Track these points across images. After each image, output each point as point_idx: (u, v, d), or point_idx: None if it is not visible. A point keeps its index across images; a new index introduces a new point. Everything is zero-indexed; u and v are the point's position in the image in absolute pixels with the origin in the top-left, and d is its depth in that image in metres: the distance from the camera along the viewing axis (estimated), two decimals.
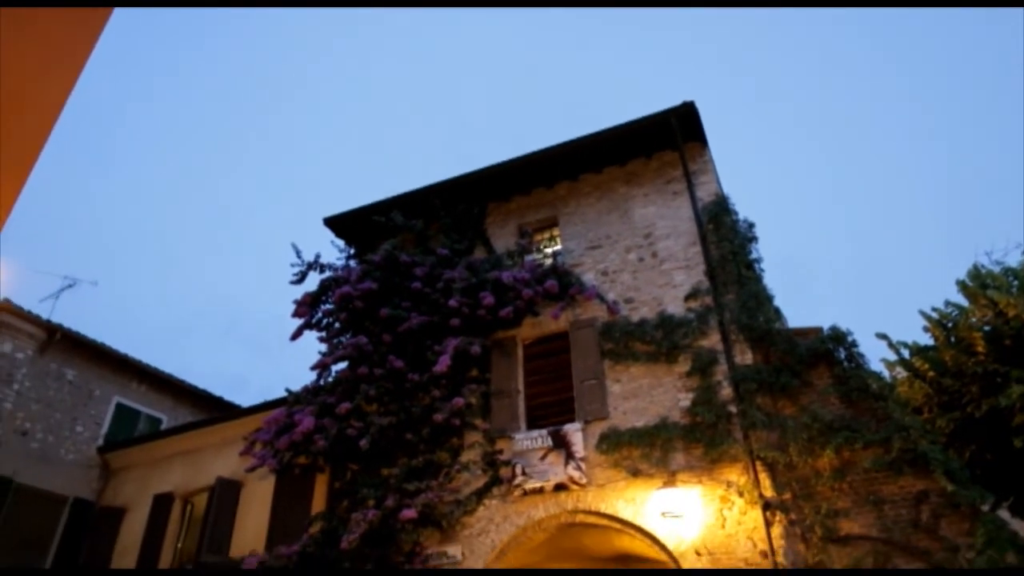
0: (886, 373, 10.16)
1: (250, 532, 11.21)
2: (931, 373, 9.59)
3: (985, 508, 7.28)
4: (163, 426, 14.91)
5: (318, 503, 10.56)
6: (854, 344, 8.82)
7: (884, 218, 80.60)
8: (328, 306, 11.09)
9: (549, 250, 11.27)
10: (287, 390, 10.90)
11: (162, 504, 12.64)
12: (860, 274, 78.41)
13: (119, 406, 14.55)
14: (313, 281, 11.56)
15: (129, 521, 12.87)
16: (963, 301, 9.76)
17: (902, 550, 7.58)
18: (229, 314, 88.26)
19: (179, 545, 12.32)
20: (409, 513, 8.79)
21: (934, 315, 9.95)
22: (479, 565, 8.88)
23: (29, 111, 3.89)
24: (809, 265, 79.96)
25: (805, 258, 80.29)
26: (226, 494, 11.79)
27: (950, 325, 9.79)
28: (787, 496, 8.01)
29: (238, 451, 11.01)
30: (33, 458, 12.83)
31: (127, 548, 12.50)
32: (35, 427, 13.07)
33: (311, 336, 11.17)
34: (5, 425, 12.58)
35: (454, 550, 9.08)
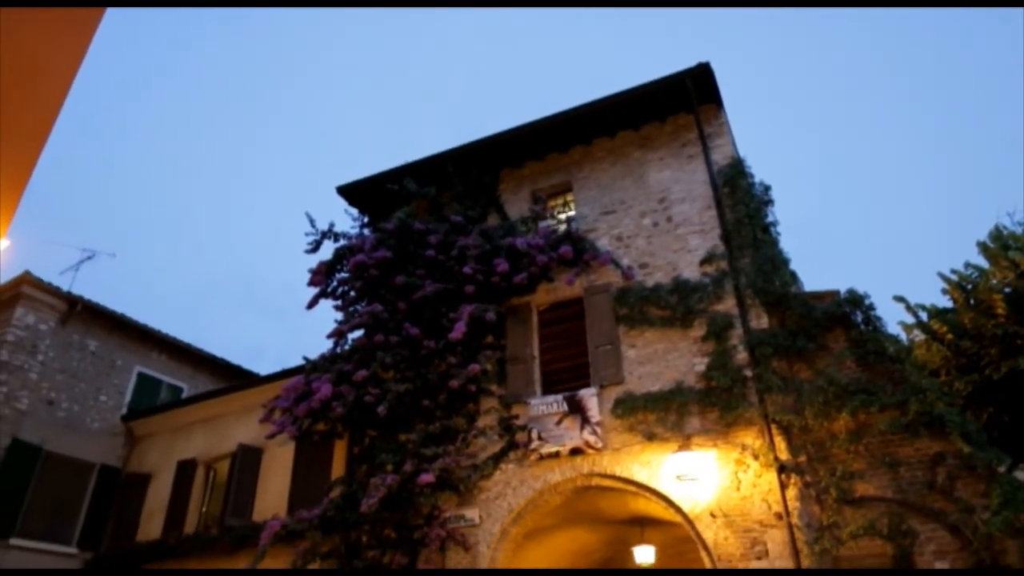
0: (903, 336, 10.10)
1: (272, 496, 11.47)
2: (949, 336, 9.53)
3: (1002, 469, 7.27)
4: (184, 394, 15.18)
5: (337, 468, 10.76)
6: (871, 307, 8.75)
7: (904, 181, 79.34)
8: (343, 275, 11.15)
9: (563, 216, 11.21)
10: (304, 358, 11.04)
11: (186, 470, 12.93)
12: (878, 238, 77.53)
13: (141, 375, 14.81)
14: (328, 250, 11.62)
15: (155, 486, 13.19)
16: (983, 263, 9.65)
17: (917, 511, 7.61)
18: (245, 284, 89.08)
19: (204, 509, 12.63)
20: (427, 477, 8.93)
21: (953, 277, 9.85)
22: (496, 528, 9.03)
23: (41, 83, 3.90)
24: (826, 229, 79.14)
25: (822, 222, 79.46)
26: (247, 460, 12.04)
27: (969, 287, 9.69)
28: (802, 459, 8.04)
29: (258, 418, 11.20)
30: (60, 427, 13.13)
31: (154, 512, 12.84)
32: (60, 397, 13.35)
33: (327, 305, 11.28)
34: (32, 395, 12.86)
35: (471, 513, 9.24)
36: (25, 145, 4.31)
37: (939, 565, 7.37)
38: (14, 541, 11.95)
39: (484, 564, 8.91)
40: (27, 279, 13.13)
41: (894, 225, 77.24)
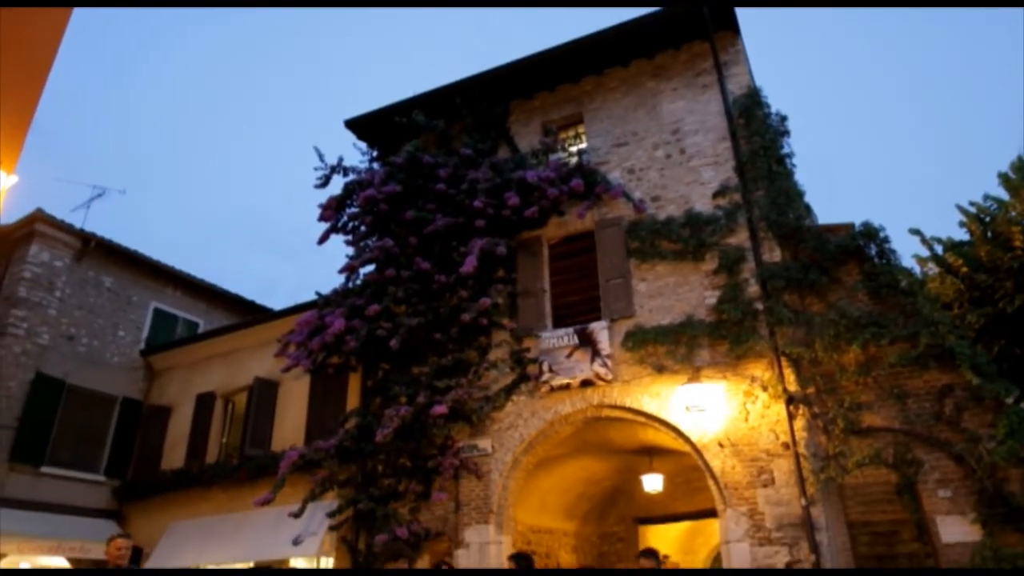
0: (917, 269, 10.04)
1: (289, 428, 11.77)
2: (964, 269, 9.45)
3: (1009, 401, 7.31)
4: (200, 330, 15.41)
5: (352, 400, 10.99)
6: (886, 240, 8.65)
7: (925, 114, 77.19)
8: (353, 210, 11.10)
9: (574, 148, 11.03)
10: (317, 293, 11.13)
11: (205, 403, 13.26)
12: (896, 171, 76.04)
13: (157, 311, 15.02)
14: (337, 185, 11.54)
15: (175, 418, 13.56)
16: (1004, 194, 9.47)
17: (923, 441, 7.71)
18: (255, 222, 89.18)
19: (224, 440, 13.01)
20: (440, 409, 9.11)
21: (972, 209, 9.70)
22: (508, 458, 9.26)
23: (39, 15, 3.81)
24: (843, 162, 77.59)
25: (840, 154, 77.87)
26: (264, 393, 12.31)
27: (988, 219, 9.55)
28: (811, 390, 8.11)
29: (273, 352, 11.39)
30: (81, 361, 13.43)
31: (175, 443, 13.24)
32: (80, 332, 13.59)
33: (338, 241, 11.29)
34: (52, 330, 13.10)
35: (484, 443, 9.47)
36: (27, 79, 4.25)
37: (942, 493, 7.51)
38: (45, 469, 12.40)
39: (496, 492, 9.18)
40: (40, 217, 13.18)
41: (913, 158, 75.63)
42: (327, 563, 10.55)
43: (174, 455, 13.11)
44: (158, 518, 12.50)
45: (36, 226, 13.13)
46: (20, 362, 12.50)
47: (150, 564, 11.57)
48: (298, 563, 10.95)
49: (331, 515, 9.82)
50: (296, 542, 9.83)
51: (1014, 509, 7.00)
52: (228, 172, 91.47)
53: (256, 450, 11.76)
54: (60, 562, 12.30)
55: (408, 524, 9.24)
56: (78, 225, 13.84)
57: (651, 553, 4.84)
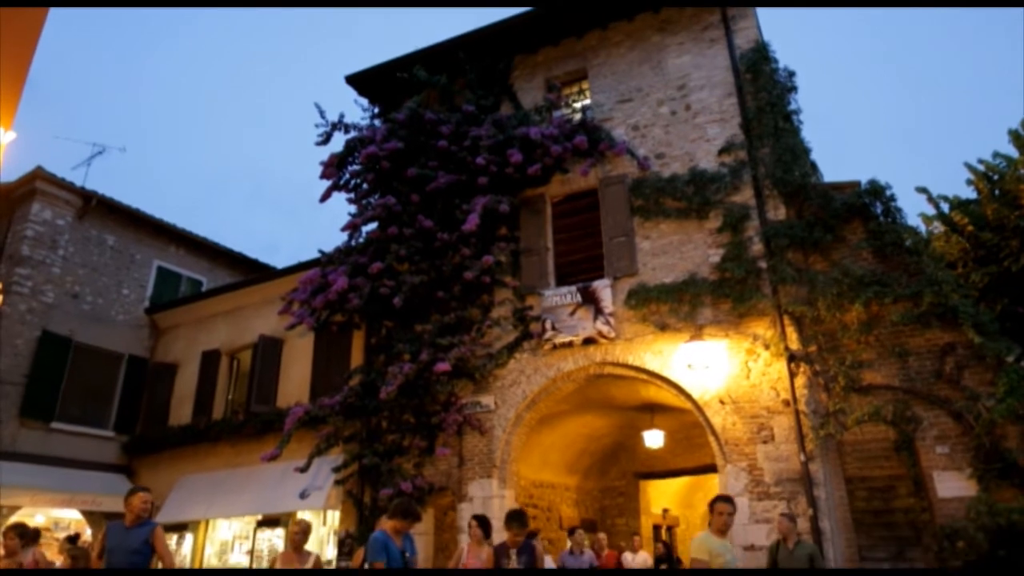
0: (923, 228, 9.99)
1: (294, 385, 11.89)
2: (970, 227, 9.40)
3: (1010, 359, 7.34)
4: (203, 288, 15.46)
5: (356, 358, 11.08)
6: (892, 199, 8.58)
7: (934, 71, 75.81)
8: (355, 167, 11.02)
9: (578, 105, 10.88)
10: (320, 251, 11.12)
11: (210, 360, 13.38)
12: (904, 130, 75.04)
13: (160, 269, 15.05)
14: (339, 142, 11.45)
15: (182, 375, 13.70)
16: (1013, 152, 9.36)
17: (922, 399, 7.78)
18: (256, 179, 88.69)
19: (230, 396, 13.16)
20: (443, 366, 9.18)
21: (980, 167, 9.61)
22: (510, 414, 9.37)
23: None
24: (851, 119, 76.55)
25: (847, 112, 76.77)
26: (269, 350, 12.41)
27: (996, 178, 9.46)
28: (812, 349, 8.15)
29: (277, 310, 11.44)
30: (87, 319, 13.51)
31: (182, 399, 13.41)
32: (84, 290, 13.64)
33: (340, 201, 11.26)
34: (56, 289, 13.15)
35: (487, 400, 9.57)
36: (21, 34, 4.19)
37: (940, 450, 7.60)
38: (55, 425, 12.60)
39: (499, 447, 9.31)
40: (40, 174, 13.11)
41: (923, 117, 74.56)
42: (333, 516, 10.79)
43: (181, 411, 13.29)
44: (167, 472, 12.73)
45: (37, 184, 13.06)
46: (26, 320, 12.58)
47: (160, 517, 11.81)
48: (305, 516, 11.19)
49: (336, 470, 10.00)
50: (303, 496, 10.02)
51: (1010, 465, 7.09)
52: (228, 130, 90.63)
53: (262, 406, 11.91)
54: (73, 514, 12.59)
55: (412, 479, 9.41)
56: (78, 183, 13.77)
57: (727, 499, 4.97)
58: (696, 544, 4.83)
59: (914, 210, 10.08)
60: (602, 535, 9.19)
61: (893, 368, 8.01)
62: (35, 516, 11.96)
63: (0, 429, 11.84)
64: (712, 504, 5.04)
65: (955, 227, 9.62)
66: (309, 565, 5.50)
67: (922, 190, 9.95)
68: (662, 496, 14.35)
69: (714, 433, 8.20)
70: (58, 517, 12.85)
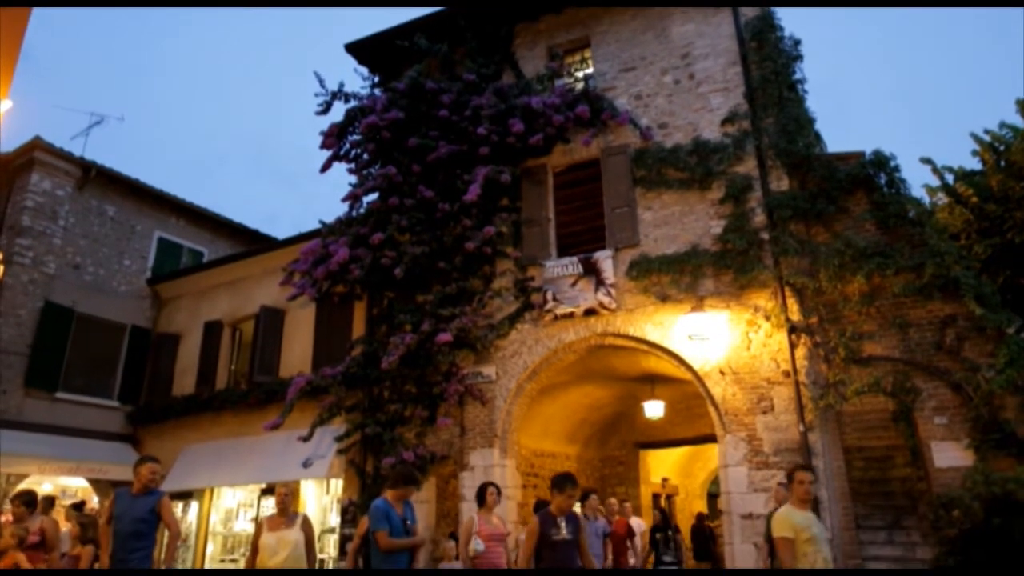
0: (926, 200, 9.92)
1: (296, 355, 11.95)
2: (974, 199, 9.35)
3: (1011, 331, 7.35)
4: (204, 259, 15.46)
5: (358, 328, 11.12)
6: (896, 169, 8.53)
7: (941, 41, 74.71)
8: (355, 137, 10.93)
9: (580, 74, 10.75)
10: (321, 222, 11.09)
11: (212, 330, 13.43)
12: (910, 101, 74.22)
13: (161, 240, 15.03)
14: (339, 112, 11.35)
15: (184, 346, 13.77)
16: (1020, 122, 9.28)
17: (922, 370, 7.81)
18: (256, 150, 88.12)
19: (232, 367, 13.24)
20: (444, 337, 9.21)
21: (986, 138, 9.53)
22: (512, 384, 9.42)
23: None
24: (857, 89, 75.66)
25: (853, 82, 75.85)
26: (271, 321, 12.46)
27: (1002, 148, 9.39)
28: (813, 320, 8.17)
29: (278, 281, 11.44)
30: (89, 290, 13.54)
31: (185, 369, 13.50)
32: (86, 261, 13.65)
33: (341, 171, 11.15)
34: (58, 259, 13.16)
35: (488, 370, 9.62)
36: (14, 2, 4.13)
37: (938, 420, 7.66)
38: (59, 395, 12.70)
39: (500, 417, 9.38)
40: (39, 144, 13.03)
41: (929, 88, 73.68)
42: (336, 485, 10.92)
43: (184, 381, 13.38)
44: (171, 442, 12.86)
45: (35, 154, 12.99)
46: (28, 291, 12.61)
47: (166, 486, 11.93)
48: (308, 485, 11.33)
49: (339, 439, 10.10)
50: (306, 465, 10.13)
51: (1008, 435, 7.15)
52: (228, 100, 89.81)
53: (264, 376, 11.98)
54: (80, 482, 12.76)
55: (414, 448, 9.50)
56: (77, 153, 13.69)
57: (807, 467, 4.75)
58: (778, 522, 4.39)
59: (918, 181, 10.03)
60: (613, 500, 9.00)
61: (893, 340, 8.03)
62: (43, 484, 12.11)
63: (6, 399, 11.94)
64: (791, 473, 4.64)
65: (959, 198, 9.57)
66: (296, 528, 5.40)
67: (926, 161, 9.88)
68: (661, 465, 14.49)
69: (714, 404, 8.25)
70: (65, 485, 13.02)
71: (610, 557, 8.08)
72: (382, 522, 4.71)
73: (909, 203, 8.29)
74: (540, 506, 6.72)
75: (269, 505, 11.28)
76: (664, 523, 9.59)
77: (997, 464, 6.99)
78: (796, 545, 4.27)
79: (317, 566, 10.81)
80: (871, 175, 8.46)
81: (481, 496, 6.08)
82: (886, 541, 7.62)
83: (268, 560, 5.24)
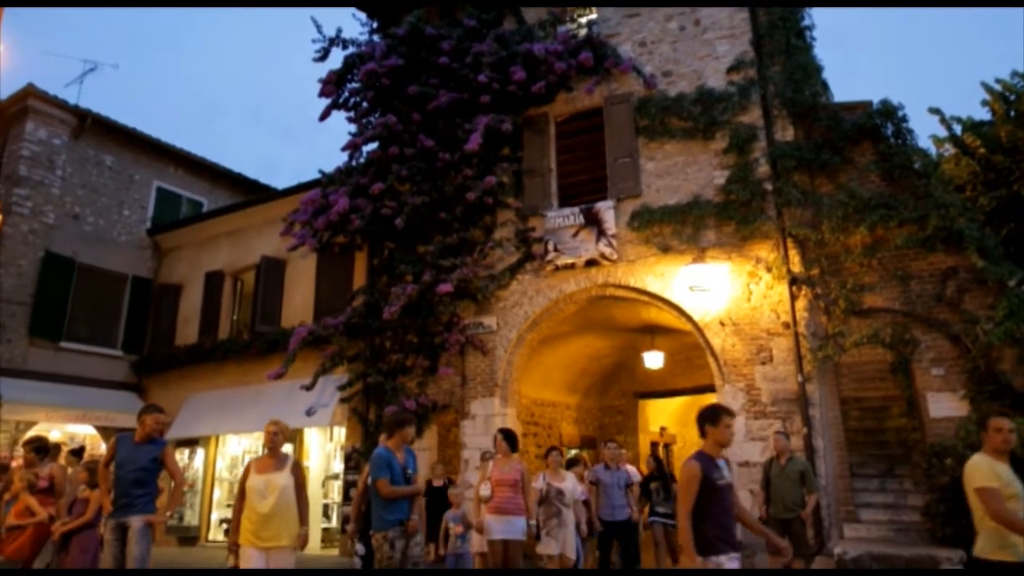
0: (933, 151, 9.80)
1: (298, 305, 12.00)
2: (981, 150, 9.23)
3: (1012, 284, 7.35)
4: (204, 209, 15.36)
5: (359, 279, 11.13)
6: (904, 119, 8.40)
7: None
8: (354, 85, 10.74)
9: (583, 20, 10.47)
10: (320, 171, 10.99)
11: (214, 281, 13.45)
12: (920, 50, 72.58)
13: (160, 190, 14.92)
14: (337, 59, 11.12)
15: (186, 296, 13.82)
16: None
17: (921, 322, 7.84)
18: (253, 99, 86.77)
19: (235, 317, 13.31)
20: (445, 287, 9.22)
21: (997, 87, 9.34)
22: (512, 335, 9.48)
23: None
24: (866, 37, 73.95)
25: (862, 29, 74.07)
26: (272, 271, 12.46)
27: (1013, 98, 9.22)
28: (815, 272, 8.16)
29: (279, 231, 11.40)
30: (89, 240, 13.50)
31: (188, 319, 13.57)
32: (85, 211, 13.57)
33: (340, 120, 11.01)
34: (56, 209, 13.08)
35: (489, 321, 9.66)
36: None
37: (935, 371, 7.72)
38: (64, 344, 12.79)
39: (501, 367, 9.47)
40: (32, 92, 12.81)
41: (938, 36, 71.98)
42: (339, 433, 11.09)
43: (187, 331, 13.46)
44: (176, 390, 13.02)
45: (29, 102, 12.79)
46: (28, 240, 12.58)
47: (171, 433, 12.15)
48: (312, 433, 11.52)
49: (342, 388, 10.22)
50: (309, 413, 10.27)
51: (1003, 387, 7.22)
52: (223, 48, 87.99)
53: (266, 326, 12.05)
54: (88, 430, 12.96)
55: (416, 397, 9.62)
56: (72, 102, 13.48)
57: (1004, 413, 3.84)
58: (979, 471, 3.73)
59: (925, 132, 9.82)
60: (606, 450, 7.98)
61: (894, 292, 8.04)
62: (51, 431, 12.30)
63: (11, 348, 12.03)
64: (984, 420, 3.99)
65: (966, 149, 9.44)
66: (286, 471, 4.89)
67: (935, 111, 9.71)
68: (660, 415, 14.71)
69: (714, 354, 8.31)
70: (73, 432, 13.22)
71: (635, 507, 7.60)
72: (383, 470, 4.76)
73: (915, 154, 8.19)
74: (551, 452, 6.70)
75: None
76: (659, 472, 8.76)
77: None
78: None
79: (317, 512, 11.04)
80: (878, 125, 8.34)
81: (496, 443, 6.08)
82: (879, 489, 7.77)
83: (256, 505, 4.74)
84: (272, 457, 5.00)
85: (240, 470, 12.26)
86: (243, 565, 4.71)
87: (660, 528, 8.26)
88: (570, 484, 6.48)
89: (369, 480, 5.01)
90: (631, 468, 7.89)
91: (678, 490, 4.41)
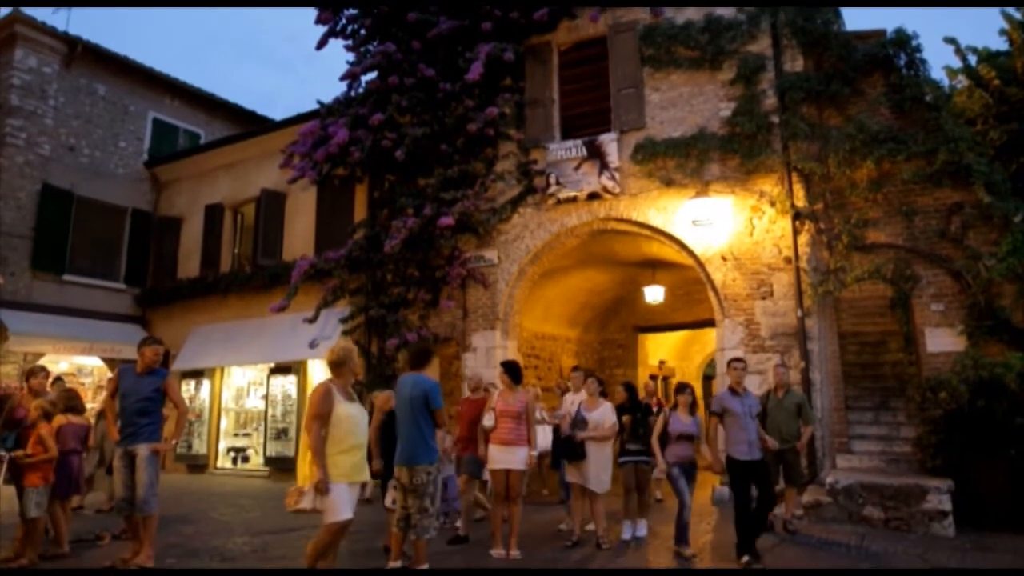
0: (946, 82, 9.54)
1: (299, 239, 11.97)
2: (995, 82, 8.96)
3: (1017, 220, 7.30)
4: (201, 140, 15.13)
5: (359, 211, 11.06)
6: (917, 49, 8.19)
7: None
8: (352, 11, 10.41)
9: None
10: (319, 102, 10.76)
11: (214, 214, 13.38)
12: None
13: (156, 121, 14.66)
14: None
15: (187, 229, 13.77)
16: None
17: (924, 258, 7.83)
18: (247, 30, 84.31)
19: (236, 250, 13.30)
20: (447, 220, 9.17)
21: (1017, 16, 9.00)
22: (514, 268, 9.47)
23: None
24: None
25: None
26: (272, 204, 12.38)
27: None
28: (819, 207, 8.09)
29: (278, 164, 11.26)
30: (86, 172, 13.34)
31: (189, 252, 13.56)
32: (80, 143, 13.36)
33: (338, 49, 10.68)
34: (51, 141, 12.88)
35: (490, 254, 9.65)
36: None
37: (935, 307, 7.76)
38: (66, 277, 12.82)
39: (502, 300, 9.51)
40: (19, 18, 12.43)
41: None
42: None
43: (189, 264, 13.48)
44: (180, 323, 13.12)
45: (17, 28, 12.42)
46: (25, 173, 12.44)
47: (176, 366, 12.34)
48: (315, 365, 11.66)
49: (344, 321, 10.29)
50: (312, 345, 10.36)
51: (1002, 322, 7.27)
52: None
53: (268, 260, 12.06)
54: (95, 362, 13.13)
55: (418, 330, 9.69)
56: (61, 28, 13.10)
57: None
58: None
59: (940, 63, 9.54)
60: (591, 380, 6.54)
61: (898, 227, 7.99)
62: (59, 363, 12.46)
63: (14, 281, 12.07)
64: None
65: (980, 81, 9.18)
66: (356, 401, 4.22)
67: (950, 40, 9.39)
68: (660, 348, 14.86)
69: (714, 289, 8.32)
70: (81, 364, 13.40)
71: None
72: (442, 399, 4.80)
73: (927, 86, 8.01)
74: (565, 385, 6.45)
75: (278, 384, 11.62)
76: (632, 403, 6.43)
77: (988, 350, 7.14)
78: None
79: None
80: (890, 55, 8.14)
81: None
82: (873, 421, 7.93)
83: (357, 437, 3.99)
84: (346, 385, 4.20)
85: (245, 401, 12.54)
86: (331, 507, 3.85)
87: (631, 468, 6.19)
88: (598, 414, 6.08)
89: (408, 409, 4.65)
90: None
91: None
